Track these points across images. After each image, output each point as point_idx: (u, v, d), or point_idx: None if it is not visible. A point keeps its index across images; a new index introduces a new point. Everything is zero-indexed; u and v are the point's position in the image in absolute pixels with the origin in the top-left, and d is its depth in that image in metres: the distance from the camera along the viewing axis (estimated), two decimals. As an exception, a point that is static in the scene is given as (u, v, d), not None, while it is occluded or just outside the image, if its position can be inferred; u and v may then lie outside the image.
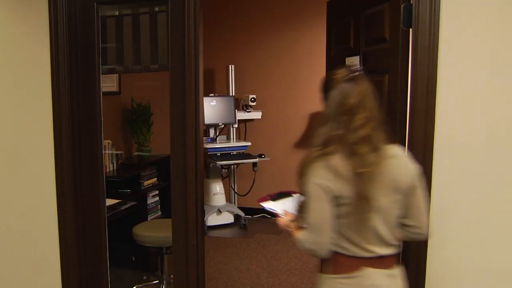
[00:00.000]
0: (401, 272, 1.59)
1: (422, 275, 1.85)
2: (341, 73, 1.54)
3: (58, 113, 2.29)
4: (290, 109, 5.04)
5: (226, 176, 5.25)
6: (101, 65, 2.30)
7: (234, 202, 5.28)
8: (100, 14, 2.27)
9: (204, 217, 2.22)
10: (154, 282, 3.48)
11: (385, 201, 1.49)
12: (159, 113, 4.30)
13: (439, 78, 1.77)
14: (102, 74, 2.31)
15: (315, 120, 5.08)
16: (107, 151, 3.78)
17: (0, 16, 2.21)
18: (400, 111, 1.89)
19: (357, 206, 1.45)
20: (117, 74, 3.99)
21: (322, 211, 1.46)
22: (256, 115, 5.06)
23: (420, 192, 1.55)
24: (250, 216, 5.00)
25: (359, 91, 1.49)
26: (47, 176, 2.33)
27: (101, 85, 2.31)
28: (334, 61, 2.58)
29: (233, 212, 4.98)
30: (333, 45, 2.64)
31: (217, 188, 4.89)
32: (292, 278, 3.58)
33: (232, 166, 5.16)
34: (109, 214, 2.71)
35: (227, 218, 4.94)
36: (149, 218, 3.99)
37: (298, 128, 5.05)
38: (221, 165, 4.95)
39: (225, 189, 5.02)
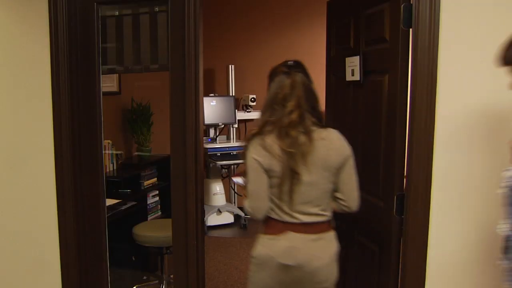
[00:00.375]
0: (329, 237, 1.83)
1: (422, 273, 1.85)
2: (279, 67, 1.84)
3: (58, 113, 2.29)
4: (290, 109, 5.05)
5: (226, 176, 5.25)
6: (101, 65, 2.29)
7: (234, 202, 5.28)
8: (100, 14, 2.27)
9: (204, 217, 2.22)
10: (154, 282, 3.48)
11: (313, 177, 1.74)
12: (159, 113, 4.30)
13: (439, 78, 1.77)
14: (102, 74, 2.31)
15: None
16: (107, 151, 3.78)
17: (0, 16, 2.21)
18: (400, 111, 1.89)
19: (285, 179, 1.72)
20: (117, 74, 3.99)
21: (258, 181, 1.75)
22: (256, 115, 5.05)
23: (348, 171, 1.80)
24: (250, 216, 5.00)
25: (290, 82, 1.76)
26: (47, 176, 2.33)
27: (101, 85, 2.31)
28: (334, 61, 2.58)
29: (233, 212, 4.98)
30: (333, 45, 2.64)
31: (217, 188, 4.89)
32: (292, 278, 3.58)
33: (232, 166, 5.16)
34: (109, 214, 2.71)
35: (227, 218, 4.95)
36: (149, 218, 3.99)
37: (298, 128, 5.04)
38: (221, 165, 4.95)
39: (225, 189, 5.02)
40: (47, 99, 2.29)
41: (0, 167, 2.30)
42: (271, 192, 1.77)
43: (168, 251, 3.12)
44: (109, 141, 3.82)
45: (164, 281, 3.26)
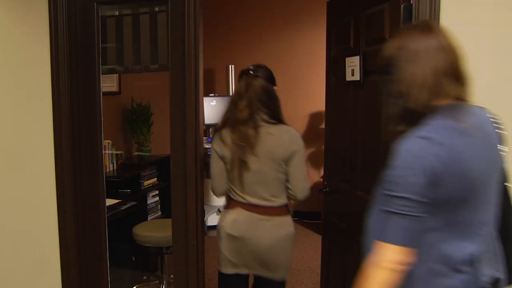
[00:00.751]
0: (280, 221, 2.09)
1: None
2: (242, 70, 2.17)
3: (58, 113, 2.29)
4: (290, 109, 5.02)
5: (226, 176, 5.25)
6: (101, 65, 2.30)
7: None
8: (100, 14, 2.27)
9: (204, 217, 2.23)
10: (154, 282, 3.48)
11: (260, 166, 2.03)
12: (159, 113, 4.30)
13: (439, 78, 1.76)
14: (102, 74, 2.31)
15: (315, 119, 5.08)
16: (107, 151, 3.78)
17: (0, 16, 2.21)
18: (400, 111, 1.88)
19: (234, 166, 2.05)
20: (117, 74, 3.99)
21: (215, 166, 2.10)
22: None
23: (295, 164, 2.05)
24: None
25: (245, 84, 2.08)
26: (47, 176, 2.33)
27: (101, 85, 2.31)
28: (334, 61, 2.58)
29: (233, 212, 4.98)
30: (333, 45, 2.64)
31: (217, 188, 4.88)
32: (291, 278, 3.58)
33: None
34: (109, 214, 2.71)
35: (227, 218, 4.94)
36: (149, 218, 3.99)
37: (298, 128, 5.03)
38: (221, 165, 4.95)
39: (225, 189, 5.01)
40: (47, 99, 2.29)
41: (0, 167, 2.30)
42: (227, 176, 2.10)
43: (168, 251, 3.12)
44: (109, 141, 3.82)
45: (164, 281, 3.26)
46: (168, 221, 2.32)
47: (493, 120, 1.31)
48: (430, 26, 1.28)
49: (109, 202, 3.05)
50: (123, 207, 3.50)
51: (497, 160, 1.28)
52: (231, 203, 2.14)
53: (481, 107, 1.33)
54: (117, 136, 4.23)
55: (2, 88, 2.26)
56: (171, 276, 3.03)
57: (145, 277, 3.54)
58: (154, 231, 3.12)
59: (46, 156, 2.32)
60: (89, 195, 2.37)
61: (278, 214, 2.08)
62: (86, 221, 2.38)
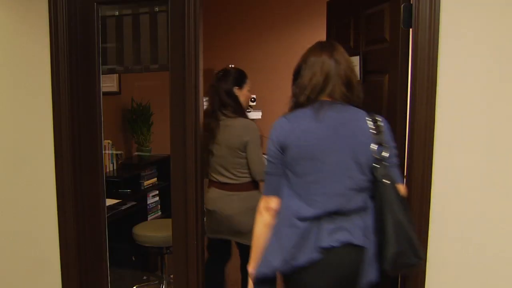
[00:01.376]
0: (243, 195, 2.51)
1: (422, 274, 1.85)
2: (214, 73, 2.66)
3: (58, 113, 2.29)
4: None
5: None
6: (101, 65, 2.29)
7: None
8: (100, 14, 2.27)
9: (204, 217, 2.24)
10: (154, 282, 3.48)
11: (220, 152, 2.50)
12: (159, 113, 4.29)
13: (439, 78, 1.77)
14: (102, 74, 2.31)
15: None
16: (107, 151, 3.78)
17: (0, 16, 2.21)
18: (400, 111, 1.89)
19: (203, 152, 2.29)
20: (117, 74, 3.99)
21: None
22: (256, 115, 5.05)
23: (250, 151, 2.46)
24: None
25: (211, 85, 2.57)
26: (47, 176, 2.33)
27: (101, 85, 2.31)
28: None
29: (233, 212, 4.97)
30: (333, 45, 2.64)
31: (217, 188, 4.87)
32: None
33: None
34: (109, 214, 2.71)
35: (227, 218, 4.93)
36: (149, 218, 3.98)
37: (298, 128, 5.03)
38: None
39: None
40: (47, 99, 2.29)
41: (0, 167, 2.30)
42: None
43: (168, 251, 3.12)
44: (109, 141, 3.82)
45: (164, 281, 3.26)
46: (168, 221, 2.32)
47: (371, 123, 1.60)
48: (329, 44, 1.72)
49: (109, 202, 3.05)
50: (123, 207, 3.50)
51: (354, 150, 1.56)
52: (209, 184, 2.59)
53: (359, 110, 1.64)
54: (117, 136, 4.22)
55: (2, 88, 2.26)
56: (171, 276, 3.03)
57: (145, 277, 3.54)
58: (154, 231, 3.11)
59: (46, 156, 2.32)
60: (89, 195, 2.37)
61: (244, 189, 2.52)
62: (86, 221, 2.38)
